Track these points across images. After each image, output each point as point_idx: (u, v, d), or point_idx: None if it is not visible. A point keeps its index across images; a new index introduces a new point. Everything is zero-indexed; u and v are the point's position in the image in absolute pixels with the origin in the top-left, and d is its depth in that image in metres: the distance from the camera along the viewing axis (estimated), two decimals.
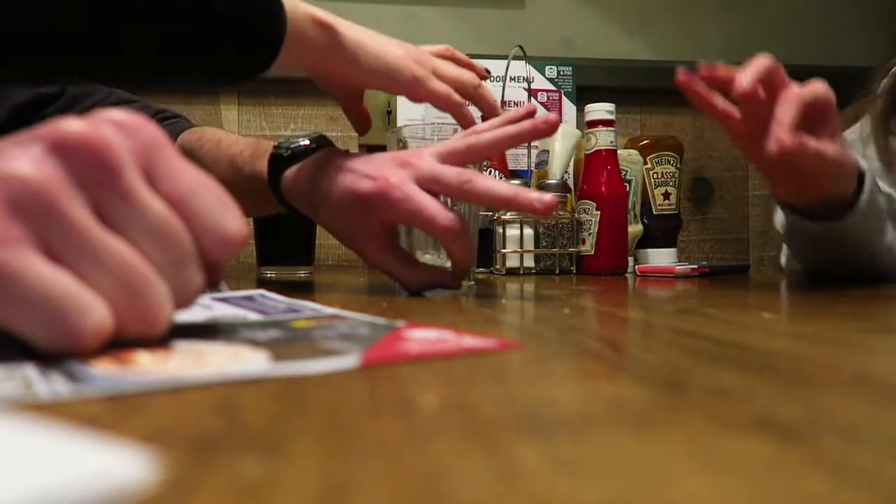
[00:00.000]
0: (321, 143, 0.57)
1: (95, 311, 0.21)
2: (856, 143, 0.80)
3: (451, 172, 0.48)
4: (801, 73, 1.45)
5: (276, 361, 0.22)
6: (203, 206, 0.24)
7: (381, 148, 1.24)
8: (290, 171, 0.55)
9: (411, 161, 0.48)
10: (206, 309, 0.35)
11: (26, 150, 0.21)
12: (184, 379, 0.19)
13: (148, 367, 0.21)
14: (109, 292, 0.21)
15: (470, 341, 0.26)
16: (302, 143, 0.56)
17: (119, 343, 0.23)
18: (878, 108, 0.77)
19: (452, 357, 0.23)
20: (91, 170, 0.21)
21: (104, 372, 0.20)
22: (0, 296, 0.20)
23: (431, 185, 0.47)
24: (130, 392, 0.18)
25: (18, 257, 0.20)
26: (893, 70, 0.79)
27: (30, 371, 0.20)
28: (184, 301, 0.24)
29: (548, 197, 0.46)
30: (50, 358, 0.21)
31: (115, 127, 0.23)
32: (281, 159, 0.56)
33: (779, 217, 0.73)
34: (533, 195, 0.46)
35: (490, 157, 0.54)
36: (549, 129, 0.51)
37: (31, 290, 0.20)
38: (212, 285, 0.26)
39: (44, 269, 0.20)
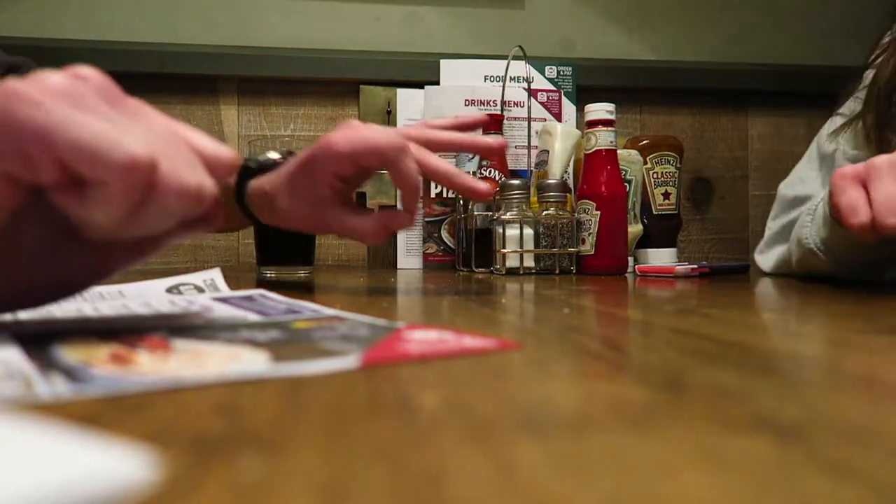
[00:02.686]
0: (288, 158, 0.59)
1: (133, 142, 0.24)
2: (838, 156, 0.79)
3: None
4: (800, 73, 1.45)
5: (275, 362, 0.22)
6: (192, 134, 0.28)
7: None
8: (255, 181, 0.57)
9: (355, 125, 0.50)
10: (206, 309, 0.35)
11: (54, 74, 0.25)
12: (184, 379, 0.19)
13: (148, 367, 0.21)
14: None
15: (470, 341, 0.26)
16: (270, 157, 0.59)
17: (119, 343, 0.23)
18: (870, 123, 0.75)
19: (452, 357, 0.23)
20: (106, 91, 0.26)
21: (104, 372, 0.20)
22: (59, 128, 0.23)
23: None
24: (130, 392, 0.18)
25: (69, 109, 0.23)
26: (869, 79, 0.77)
27: (30, 371, 0.20)
28: (198, 196, 0.26)
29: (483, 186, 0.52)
30: (49, 358, 0.21)
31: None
32: (248, 171, 0.58)
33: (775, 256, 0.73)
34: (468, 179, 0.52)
35: (438, 151, 0.55)
36: (497, 151, 0.55)
37: (86, 128, 0.23)
38: (209, 219, 0.29)
39: (90, 117, 0.24)
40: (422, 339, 0.26)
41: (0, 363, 0.21)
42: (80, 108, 0.24)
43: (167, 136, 0.26)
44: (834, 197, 0.53)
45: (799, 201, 0.80)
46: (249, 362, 0.21)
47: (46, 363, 0.21)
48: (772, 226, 0.85)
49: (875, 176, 0.50)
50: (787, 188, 0.84)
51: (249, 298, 0.39)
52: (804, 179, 0.82)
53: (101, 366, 0.20)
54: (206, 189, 0.26)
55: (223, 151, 0.28)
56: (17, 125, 0.23)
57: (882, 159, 0.51)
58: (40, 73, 0.25)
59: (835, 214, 0.54)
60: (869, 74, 0.78)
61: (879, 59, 0.77)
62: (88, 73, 0.26)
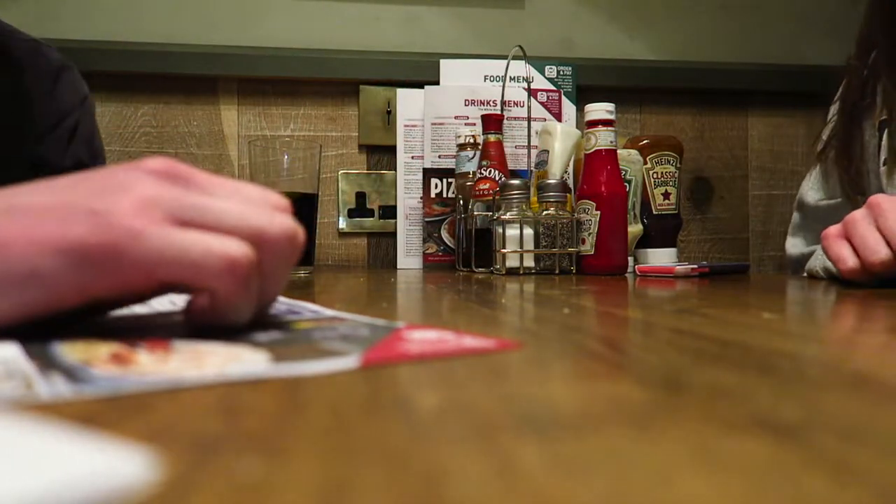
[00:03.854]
0: None
1: (227, 245, 0.26)
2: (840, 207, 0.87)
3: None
4: (801, 74, 1.45)
5: (276, 362, 0.22)
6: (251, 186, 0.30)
7: (383, 148, 1.25)
8: None
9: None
10: None
11: (133, 173, 0.27)
12: (184, 379, 0.19)
13: (148, 367, 0.21)
14: (238, 229, 0.27)
15: (470, 342, 0.26)
16: None
17: (119, 343, 0.23)
18: (831, 155, 0.86)
19: (452, 357, 0.23)
20: (184, 178, 0.28)
21: (104, 372, 0.20)
22: (159, 257, 0.25)
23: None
24: (130, 392, 0.18)
25: (165, 229, 0.25)
26: (831, 118, 0.88)
27: (30, 371, 0.20)
28: (300, 239, 0.29)
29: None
30: (49, 358, 0.21)
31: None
32: None
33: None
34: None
35: None
36: None
37: (178, 246, 0.25)
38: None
39: (182, 233, 0.26)
40: (422, 339, 0.26)
41: (2, 363, 0.21)
42: (173, 216, 0.26)
43: (247, 195, 0.29)
44: (826, 254, 0.62)
45: (805, 258, 0.90)
46: (250, 362, 0.21)
47: (46, 363, 0.21)
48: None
49: (852, 228, 0.59)
50: (791, 247, 0.94)
51: None
52: (796, 235, 0.94)
53: (101, 366, 0.20)
54: (299, 230, 0.29)
55: (281, 198, 0.31)
56: (120, 260, 0.24)
57: (854, 214, 0.60)
58: (131, 176, 0.26)
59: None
60: (832, 110, 0.88)
61: (842, 86, 0.87)
62: (161, 165, 0.27)
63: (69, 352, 0.22)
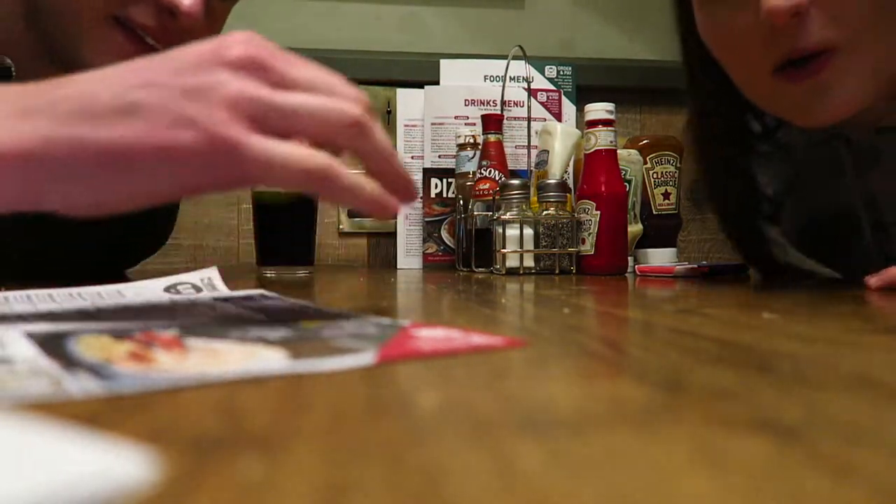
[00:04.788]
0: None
1: (316, 157, 0.30)
2: None
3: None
4: None
5: (294, 359, 0.22)
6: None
7: None
8: None
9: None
10: (211, 308, 0.35)
11: (217, 70, 0.30)
12: (209, 376, 0.19)
13: (167, 364, 0.21)
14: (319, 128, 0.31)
15: (478, 339, 0.26)
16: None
17: (132, 342, 0.23)
18: None
19: (462, 354, 0.23)
20: (258, 67, 0.30)
21: (128, 370, 0.20)
22: (257, 167, 0.29)
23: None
24: (160, 389, 0.18)
25: (259, 140, 0.29)
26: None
27: (54, 369, 0.20)
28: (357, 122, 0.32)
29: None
30: (69, 357, 0.21)
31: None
32: None
33: None
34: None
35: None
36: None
37: (276, 158, 0.29)
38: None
39: (275, 144, 0.29)
40: (430, 336, 0.26)
41: (23, 362, 0.20)
42: (259, 119, 0.29)
43: (322, 84, 0.33)
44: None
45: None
46: (268, 360, 0.21)
47: (67, 362, 0.21)
48: None
49: None
50: None
51: (250, 298, 0.39)
52: None
53: (122, 364, 0.20)
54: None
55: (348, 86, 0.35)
56: (224, 169, 0.29)
57: None
58: (216, 74, 0.29)
59: None
60: None
61: None
62: (243, 52, 0.30)
63: (86, 350, 0.22)
